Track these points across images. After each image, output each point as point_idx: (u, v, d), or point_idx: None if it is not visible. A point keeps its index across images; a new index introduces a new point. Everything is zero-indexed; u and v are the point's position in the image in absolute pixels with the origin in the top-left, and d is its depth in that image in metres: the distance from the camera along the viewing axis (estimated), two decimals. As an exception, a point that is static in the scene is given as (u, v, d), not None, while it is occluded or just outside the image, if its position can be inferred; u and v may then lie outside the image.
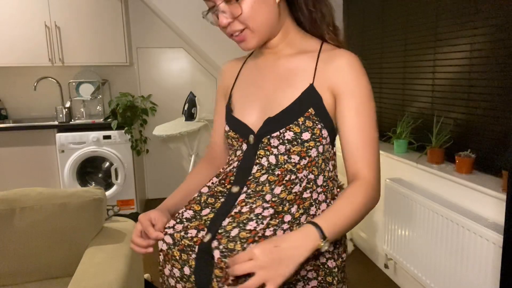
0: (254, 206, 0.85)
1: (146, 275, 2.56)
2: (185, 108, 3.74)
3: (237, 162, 0.93)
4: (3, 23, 3.51)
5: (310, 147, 0.87)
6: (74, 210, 1.68)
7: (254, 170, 0.89)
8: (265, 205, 0.84)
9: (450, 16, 2.11)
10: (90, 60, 3.74)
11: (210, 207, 0.90)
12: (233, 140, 0.96)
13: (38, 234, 1.66)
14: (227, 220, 0.84)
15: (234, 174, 0.92)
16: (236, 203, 0.87)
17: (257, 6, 0.84)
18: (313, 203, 0.88)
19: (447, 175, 1.98)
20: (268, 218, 0.82)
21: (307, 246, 0.74)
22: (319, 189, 0.90)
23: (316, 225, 0.76)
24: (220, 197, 0.91)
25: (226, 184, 0.92)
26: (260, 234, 0.80)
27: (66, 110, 3.65)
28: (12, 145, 3.53)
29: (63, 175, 3.49)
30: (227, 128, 0.97)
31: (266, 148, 0.89)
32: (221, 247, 0.80)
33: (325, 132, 0.88)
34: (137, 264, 1.74)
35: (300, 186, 0.87)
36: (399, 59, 2.61)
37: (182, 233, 0.88)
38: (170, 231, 0.90)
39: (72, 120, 3.78)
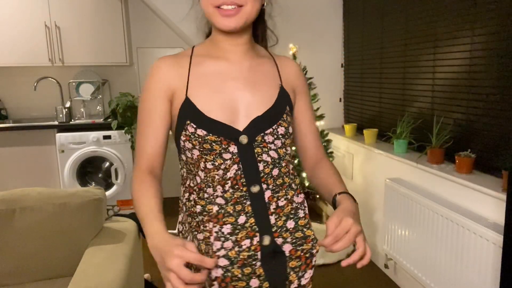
0: (289, 197, 0.94)
1: (146, 275, 2.56)
2: (185, 108, 3.74)
3: (235, 165, 0.91)
4: (3, 23, 3.51)
5: (292, 139, 1.02)
6: (74, 210, 1.68)
7: (261, 168, 0.92)
8: (296, 192, 0.97)
9: (450, 16, 2.11)
10: (90, 60, 3.74)
11: (243, 214, 0.90)
12: (214, 144, 0.90)
13: (38, 234, 1.66)
14: (273, 217, 0.91)
15: (242, 176, 0.91)
16: (266, 201, 0.92)
17: None
18: None
19: (447, 175, 1.98)
20: (304, 203, 0.97)
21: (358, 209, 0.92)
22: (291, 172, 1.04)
23: (349, 194, 0.93)
24: (244, 201, 0.91)
25: (241, 187, 0.91)
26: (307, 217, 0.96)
27: (66, 110, 3.65)
28: (12, 145, 3.53)
29: (63, 175, 3.49)
30: (202, 132, 0.90)
31: (261, 145, 0.93)
32: (289, 240, 0.91)
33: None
34: (137, 264, 1.74)
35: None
36: (399, 59, 2.61)
37: (236, 248, 0.87)
38: (222, 252, 0.87)
39: (72, 120, 3.78)
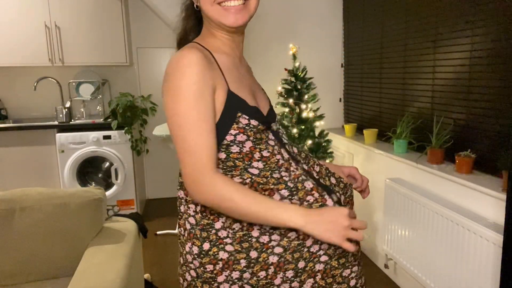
0: (317, 162, 1.07)
1: (146, 275, 2.56)
2: (185, 108, 3.74)
3: (281, 148, 0.99)
4: (3, 23, 3.51)
5: None
6: (74, 210, 1.68)
7: (294, 150, 1.05)
8: (315, 158, 1.08)
9: (450, 16, 2.11)
10: (90, 60, 3.74)
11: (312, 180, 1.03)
12: (261, 133, 0.95)
13: (38, 234, 1.66)
14: (322, 181, 1.05)
15: (289, 156, 1.02)
16: (325, 174, 1.07)
17: None
18: None
19: (447, 175, 1.98)
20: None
21: None
22: None
23: None
24: (307, 177, 1.02)
25: (297, 166, 1.02)
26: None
27: (66, 110, 3.65)
28: (12, 145, 3.53)
29: (63, 175, 3.49)
30: (255, 122, 0.92)
31: (279, 131, 1.05)
32: (341, 192, 1.07)
33: None
34: (137, 264, 1.74)
35: None
36: (399, 59, 2.61)
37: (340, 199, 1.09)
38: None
39: (72, 120, 3.78)
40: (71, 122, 3.67)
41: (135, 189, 3.67)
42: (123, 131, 3.48)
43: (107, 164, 3.66)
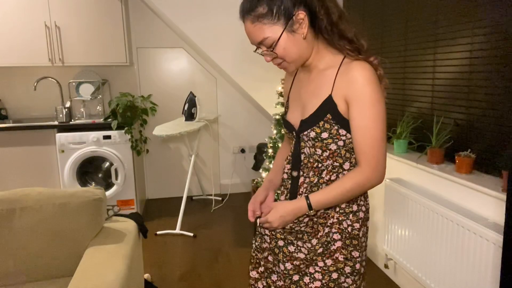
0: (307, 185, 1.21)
1: (146, 275, 2.56)
2: (185, 108, 3.74)
3: (290, 152, 1.25)
4: (3, 23, 3.51)
5: (329, 143, 1.14)
6: (74, 210, 1.68)
7: (302, 157, 1.21)
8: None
9: (450, 16, 2.11)
10: (90, 60, 3.74)
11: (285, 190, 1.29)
12: (287, 134, 1.29)
13: (38, 234, 1.66)
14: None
15: (290, 161, 1.24)
16: (299, 184, 1.21)
17: (288, 46, 1.09)
18: None
19: (447, 175, 1.98)
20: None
21: (298, 214, 1.17)
22: (346, 172, 1.17)
23: (307, 199, 1.14)
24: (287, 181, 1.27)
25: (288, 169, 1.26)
26: None
27: (66, 110, 3.65)
28: (12, 145, 3.52)
29: (63, 175, 3.49)
30: (283, 124, 1.28)
31: (303, 142, 1.19)
32: None
33: (342, 131, 1.13)
34: (137, 264, 1.74)
35: (326, 171, 1.17)
36: (399, 59, 2.61)
37: None
38: None
39: (72, 120, 3.78)
40: (71, 122, 3.67)
41: (135, 189, 3.67)
42: (123, 131, 3.48)
43: (107, 164, 3.66)
